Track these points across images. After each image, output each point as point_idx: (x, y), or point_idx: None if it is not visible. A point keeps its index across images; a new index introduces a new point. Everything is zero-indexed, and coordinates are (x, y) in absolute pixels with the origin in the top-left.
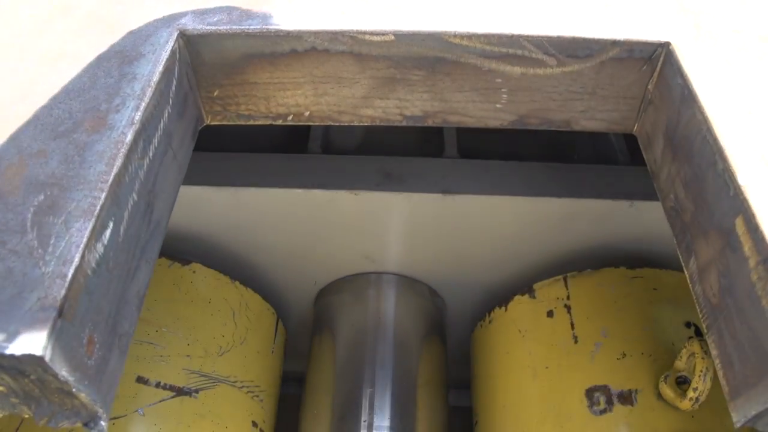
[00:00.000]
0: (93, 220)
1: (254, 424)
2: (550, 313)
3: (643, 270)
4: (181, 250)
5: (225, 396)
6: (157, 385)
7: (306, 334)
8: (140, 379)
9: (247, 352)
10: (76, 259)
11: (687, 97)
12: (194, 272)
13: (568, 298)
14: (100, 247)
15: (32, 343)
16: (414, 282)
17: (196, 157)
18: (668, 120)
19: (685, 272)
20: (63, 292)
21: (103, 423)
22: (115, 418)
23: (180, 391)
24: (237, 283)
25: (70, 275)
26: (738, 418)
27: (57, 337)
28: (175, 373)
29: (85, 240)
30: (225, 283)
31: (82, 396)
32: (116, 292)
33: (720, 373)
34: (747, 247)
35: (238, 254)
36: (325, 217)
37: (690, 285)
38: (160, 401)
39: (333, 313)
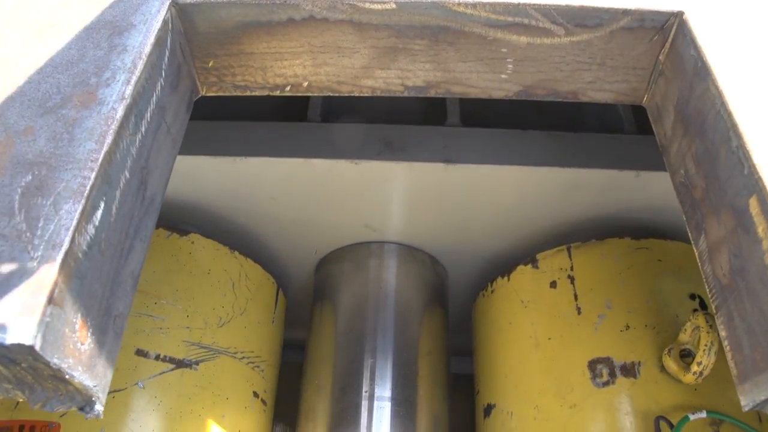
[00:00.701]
0: (83, 201)
1: (255, 394)
2: (553, 284)
3: (648, 241)
4: (179, 219)
5: (225, 367)
6: (157, 357)
7: (307, 303)
8: (139, 352)
9: (248, 322)
10: (66, 243)
11: (700, 70)
12: (193, 243)
13: (571, 268)
14: (91, 229)
15: (21, 331)
16: (415, 251)
17: (193, 126)
18: (680, 92)
19: (695, 250)
20: (53, 277)
21: (98, 407)
22: (115, 392)
23: (180, 363)
24: (236, 253)
25: (59, 260)
26: (746, 403)
27: (47, 324)
28: (175, 345)
29: (75, 222)
30: (224, 253)
31: (76, 382)
32: (109, 273)
33: (728, 356)
34: (761, 228)
35: (237, 224)
36: (325, 186)
37: (699, 263)
38: (160, 374)
39: (334, 282)
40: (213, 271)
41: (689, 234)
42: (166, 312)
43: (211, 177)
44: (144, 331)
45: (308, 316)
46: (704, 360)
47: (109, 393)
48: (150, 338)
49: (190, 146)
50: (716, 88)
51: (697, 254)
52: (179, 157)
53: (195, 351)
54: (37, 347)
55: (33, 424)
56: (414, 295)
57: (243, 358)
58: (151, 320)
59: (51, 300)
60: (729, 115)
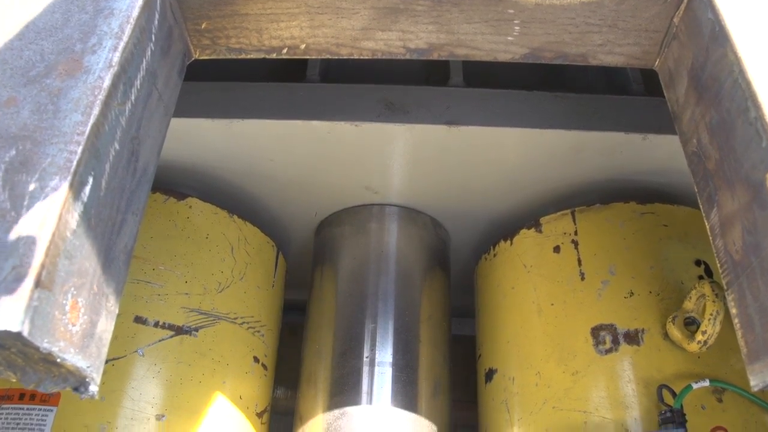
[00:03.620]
0: (70, 177)
1: (255, 359)
2: (556, 249)
3: (654, 206)
4: (176, 183)
5: (225, 333)
6: (156, 324)
7: (308, 265)
8: (138, 319)
9: (247, 287)
10: (53, 222)
11: (718, 35)
12: (190, 207)
13: (575, 233)
14: (79, 206)
15: (8, 318)
16: (417, 213)
17: (189, 87)
18: (694, 58)
19: (706, 223)
20: (40, 259)
21: (93, 388)
22: (114, 359)
23: (179, 330)
24: (235, 217)
25: (47, 240)
26: (756, 383)
27: (35, 308)
28: (174, 311)
29: (62, 200)
30: (223, 217)
31: (69, 365)
32: (100, 250)
33: (738, 334)
34: None
35: (235, 186)
36: (324, 148)
37: (710, 237)
38: (160, 341)
39: (334, 245)
40: (211, 235)
41: (700, 206)
42: (165, 278)
43: (207, 139)
44: (142, 298)
45: (309, 278)
46: (709, 329)
47: (109, 361)
48: (148, 305)
49: (186, 108)
50: (734, 54)
51: (708, 227)
52: (175, 120)
53: (194, 317)
54: (25, 333)
55: (33, 392)
56: (415, 258)
57: (243, 323)
58: (150, 287)
59: (38, 283)
60: (748, 84)
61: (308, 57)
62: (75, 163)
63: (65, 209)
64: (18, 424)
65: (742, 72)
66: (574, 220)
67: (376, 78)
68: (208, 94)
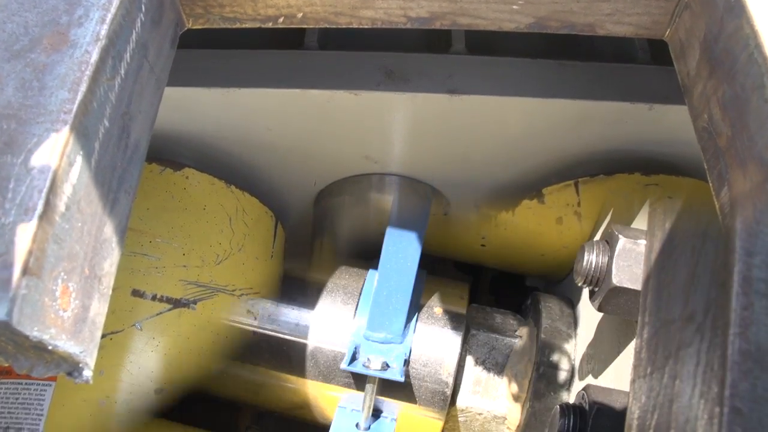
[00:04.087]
0: (57, 157)
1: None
2: (559, 220)
3: (659, 177)
4: (173, 153)
5: (224, 305)
6: (154, 297)
7: (307, 234)
8: (136, 293)
9: (246, 259)
10: (40, 206)
11: (734, 5)
12: (187, 178)
13: (578, 204)
14: (68, 188)
15: None
16: (417, 183)
17: (184, 55)
18: (707, 29)
19: (715, 202)
20: (27, 245)
21: (87, 372)
22: (112, 333)
23: (177, 303)
24: (233, 187)
25: (34, 225)
26: None
27: (24, 297)
28: (172, 284)
29: (48, 183)
30: (220, 188)
31: (61, 351)
32: (91, 232)
33: None
34: None
35: (233, 156)
36: (323, 117)
37: (720, 217)
38: (158, 314)
39: (334, 215)
40: (209, 206)
41: (710, 183)
42: (162, 250)
43: (204, 109)
44: (140, 271)
45: (308, 248)
46: None
47: (107, 335)
48: (146, 278)
49: (182, 77)
50: (751, 27)
51: (717, 206)
52: (171, 89)
53: (192, 290)
54: (14, 323)
55: None
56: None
57: (242, 295)
58: (147, 260)
59: (26, 271)
60: (765, 59)
61: (305, 27)
62: (62, 143)
63: (53, 192)
64: (17, 398)
65: (758, 46)
66: (577, 191)
67: (376, 45)
68: (204, 63)
